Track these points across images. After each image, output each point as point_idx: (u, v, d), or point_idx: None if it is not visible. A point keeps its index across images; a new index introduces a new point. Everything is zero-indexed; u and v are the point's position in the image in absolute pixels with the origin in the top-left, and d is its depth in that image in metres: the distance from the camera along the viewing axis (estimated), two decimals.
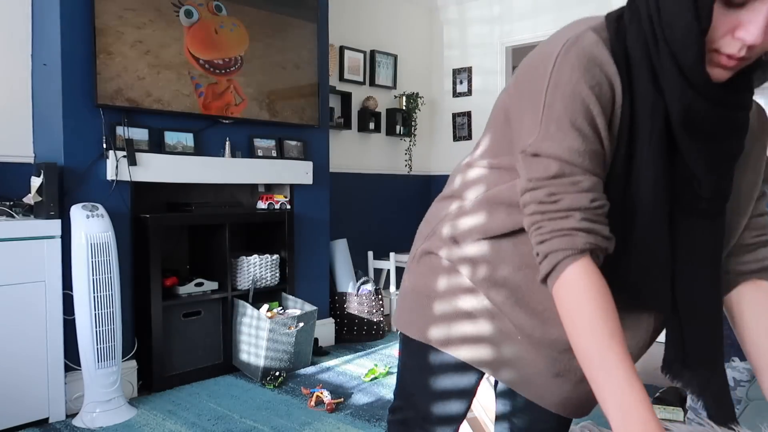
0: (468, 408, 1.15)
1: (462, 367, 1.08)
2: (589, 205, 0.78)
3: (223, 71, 3.12)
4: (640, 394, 0.71)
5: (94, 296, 2.52)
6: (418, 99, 4.82)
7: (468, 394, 1.13)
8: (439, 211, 1.07)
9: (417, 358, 1.11)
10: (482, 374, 1.12)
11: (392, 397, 1.23)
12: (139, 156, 2.79)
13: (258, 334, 3.08)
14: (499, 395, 1.27)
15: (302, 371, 3.26)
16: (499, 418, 1.28)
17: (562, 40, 0.81)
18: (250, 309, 3.13)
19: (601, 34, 0.80)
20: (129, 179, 2.77)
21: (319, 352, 3.57)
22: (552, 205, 0.79)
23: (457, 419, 1.14)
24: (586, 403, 1.04)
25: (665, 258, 0.84)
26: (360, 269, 4.22)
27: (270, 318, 3.09)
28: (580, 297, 0.77)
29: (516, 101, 0.87)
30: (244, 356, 3.16)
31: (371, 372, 3.15)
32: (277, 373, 3.05)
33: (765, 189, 0.93)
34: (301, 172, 3.53)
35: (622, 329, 0.77)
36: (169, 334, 2.98)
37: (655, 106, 0.78)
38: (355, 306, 3.93)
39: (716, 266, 0.87)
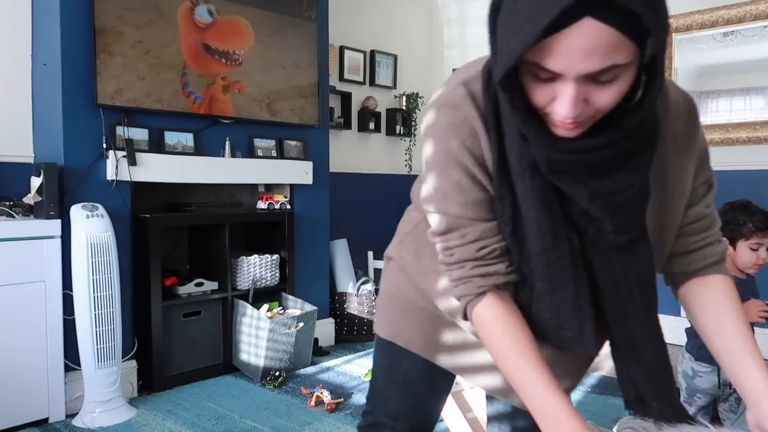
0: (439, 409, 1.17)
1: (432, 367, 1.10)
2: (477, 255, 0.86)
3: (229, 61, 3.12)
4: (559, 400, 0.78)
5: (94, 296, 2.51)
6: (418, 99, 4.82)
7: (438, 395, 1.15)
8: (410, 223, 1.14)
9: (386, 357, 1.17)
10: (454, 376, 1.13)
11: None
12: (139, 156, 2.79)
13: (258, 334, 3.08)
14: (489, 396, 1.27)
15: (302, 371, 3.26)
16: (497, 418, 1.29)
17: (436, 99, 0.87)
18: (250, 309, 3.13)
19: (472, 86, 0.84)
20: (129, 179, 2.76)
21: (319, 352, 3.57)
22: (449, 258, 0.89)
23: (427, 419, 1.15)
24: None
25: (574, 299, 0.86)
26: (360, 269, 4.22)
27: (270, 318, 3.09)
28: (489, 330, 0.86)
29: None
30: (244, 356, 3.16)
31: (371, 372, 3.14)
32: (277, 373, 3.05)
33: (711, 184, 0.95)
34: (301, 172, 3.53)
35: (534, 346, 0.84)
36: (169, 334, 2.98)
37: (523, 152, 0.80)
38: (355, 306, 3.93)
39: (649, 298, 0.87)
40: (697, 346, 2.13)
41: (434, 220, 0.89)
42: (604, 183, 0.77)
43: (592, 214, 0.81)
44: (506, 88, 0.72)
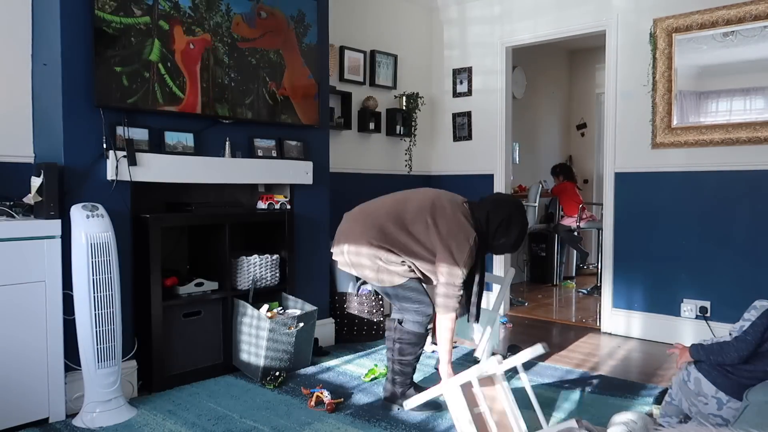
0: None
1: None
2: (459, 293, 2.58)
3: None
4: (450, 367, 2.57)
5: (94, 296, 2.52)
6: (418, 99, 4.83)
7: None
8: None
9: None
10: None
11: None
12: (139, 156, 2.79)
13: (258, 334, 3.08)
14: None
15: (302, 371, 3.26)
16: None
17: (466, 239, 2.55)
18: (250, 309, 3.13)
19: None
20: (129, 179, 2.77)
21: (319, 352, 3.57)
22: (457, 291, 2.56)
23: None
24: None
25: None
26: None
27: (270, 318, 3.09)
28: (451, 324, 2.59)
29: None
30: (244, 356, 3.16)
31: (371, 372, 3.15)
32: (277, 373, 3.05)
33: None
34: (301, 172, 3.53)
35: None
36: (169, 334, 2.98)
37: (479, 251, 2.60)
38: (355, 306, 3.93)
39: None
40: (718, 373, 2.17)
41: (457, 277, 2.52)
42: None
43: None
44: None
